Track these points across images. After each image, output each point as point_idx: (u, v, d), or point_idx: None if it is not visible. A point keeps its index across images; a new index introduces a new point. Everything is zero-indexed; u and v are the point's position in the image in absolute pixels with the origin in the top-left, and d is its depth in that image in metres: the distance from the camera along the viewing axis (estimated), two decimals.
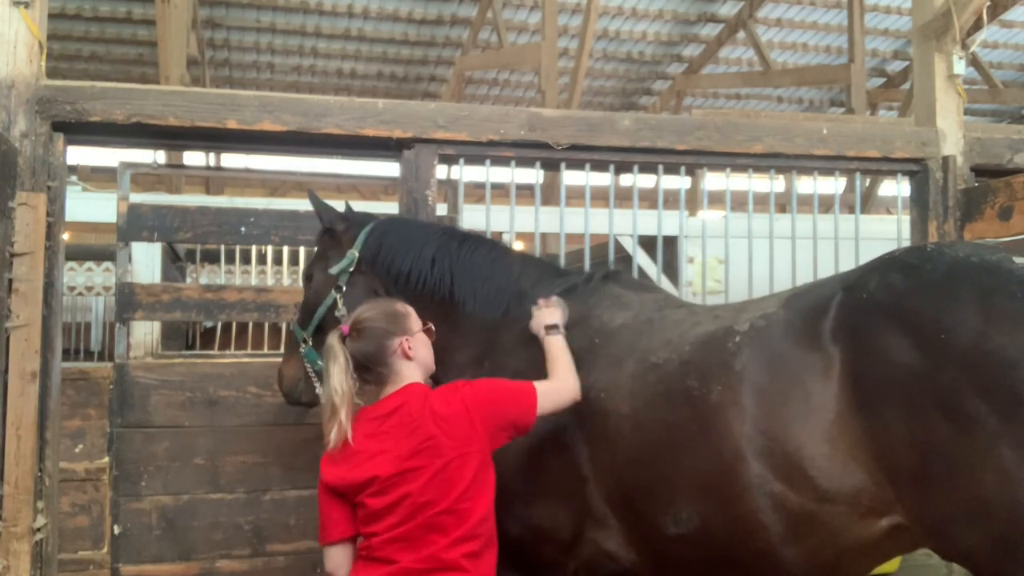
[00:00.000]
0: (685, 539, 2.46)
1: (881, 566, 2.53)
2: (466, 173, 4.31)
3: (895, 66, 16.93)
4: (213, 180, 16.17)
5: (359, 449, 2.52)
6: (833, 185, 4.82)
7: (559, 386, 2.69)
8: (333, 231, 3.42)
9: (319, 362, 3.17)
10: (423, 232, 3.34)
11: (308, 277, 3.46)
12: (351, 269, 3.28)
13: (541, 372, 2.80)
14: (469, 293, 3.13)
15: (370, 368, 2.62)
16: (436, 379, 3.22)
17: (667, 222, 5.30)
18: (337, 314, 3.23)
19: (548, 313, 2.91)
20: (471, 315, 3.11)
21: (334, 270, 3.28)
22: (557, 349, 2.80)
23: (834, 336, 2.27)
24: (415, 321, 2.73)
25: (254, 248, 7.59)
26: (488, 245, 3.32)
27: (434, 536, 2.46)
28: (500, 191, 4.44)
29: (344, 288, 3.26)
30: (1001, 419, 1.95)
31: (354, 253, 3.29)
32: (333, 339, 2.64)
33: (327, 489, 2.57)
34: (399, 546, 2.47)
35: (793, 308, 2.44)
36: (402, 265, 3.21)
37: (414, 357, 2.66)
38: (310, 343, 3.30)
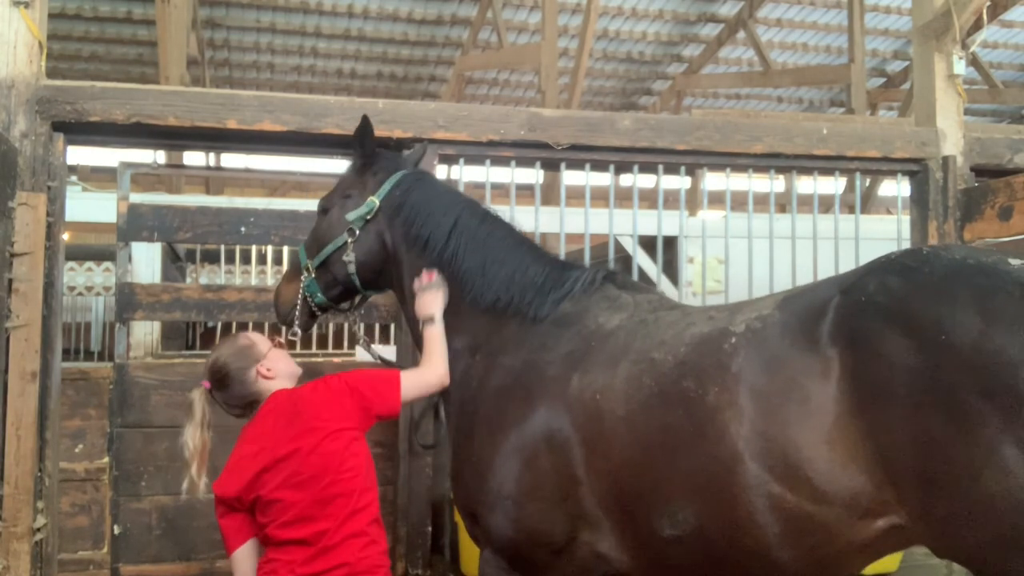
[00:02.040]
0: (681, 541, 2.46)
1: (882, 565, 2.53)
2: (466, 173, 4.31)
3: (895, 66, 16.93)
4: (213, 180, 16.16)
5: (241, 457, 2.77)
6: (833, 185, 4.83)
7: (425, 371, 2.96)
8: (363, 169, 3.33)
9: (319, 295, 3.29)
10: (446, 200, 3.24)
11: (324, 210, 3.38)
12: (368, 217, 3.23)
13: (537, 370, 2.79)
14: (478, 276, 3.07)
15: (242, 406, 2.89)
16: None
17: (667, 222, 5.30)
18: (345, 259, 3.21)
19: (429, 301, 3.05)
20: (475, 300, 3.07)
21: (351, 215, 3.23)
22: (431, 338, 3.02)
23: (833, 339, 2.26)
24: (263, 343, 2.94)
25: (254, 248, 7.60)
26: (506, 229, 3.23)
27: (329, 510, 2.67)
28: (500, 191, 4.44)
29: (357, 233, 3.23)
30: (1004, 419, 1.95)
31: (375, 201, 3.23)
32: (195, 395, 2.87)
33: (221, 503, 2.78)
34: (299, 525, 2.67)
35: (789, 310, 2.43)
36: (420, 230, 3.16)
37: (275, 376, 2.89)
38: (312, 274, 3.30)
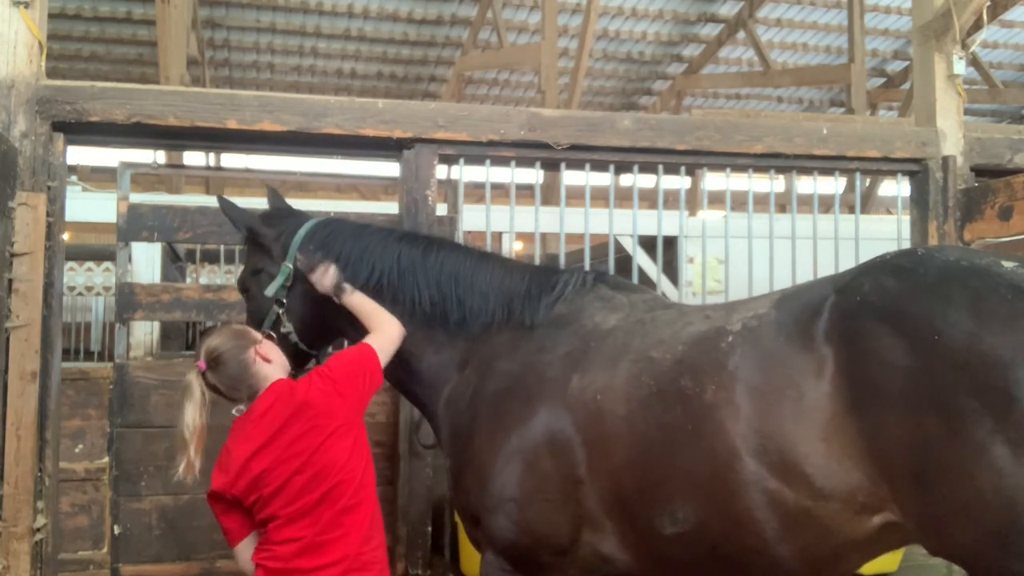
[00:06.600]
0: (681, 538, 2.47)
1: (882, 565, 2.54)
2: (466, 173, 4.31)
3: (895, 66, 16.94)
4: (213, 180, 16.16)
5: (240, 453, 2.70)
6: (833, 185, 4.83)
7: (385, 333, 2.94)
8: (257, 239, 3.21)
9: None
10: (377, 239, 3.15)
11: (245, 290, 3.27)
12: (287, 284, 3.11)
13: (536, 372, 2.79)
14: (453, 303, 3.03)
15: (239, 387, 2.78)
16: (407, 391, 3.19)
17: (667, 222, 5.30)
18: (283, 331, 3.09)
19: (324, 280, 2.99)
20: (457, 324, 3.03)
21: (270, 291, 3.10)
22: (358, 304, 2.98)
23: (828, 338, 2.29)
24: (255, 331, 2.93)
25: None
26: (460, 251, 3.17)
27: (327, 506, 2.69)
28: (500, 191, 4.43)
29: (285, 302, 3.11)
30: (995, 418, 1.98)
31: (288, 267, 3.09)
32: (191, 376, 2.74)
33: (217, 498, 2.75)
34: (300, 523, 2.68)
35: (785, 309, 2.46)
36: (359, 275, 3.05)
37: (273, 360, 2.83)
38: None
